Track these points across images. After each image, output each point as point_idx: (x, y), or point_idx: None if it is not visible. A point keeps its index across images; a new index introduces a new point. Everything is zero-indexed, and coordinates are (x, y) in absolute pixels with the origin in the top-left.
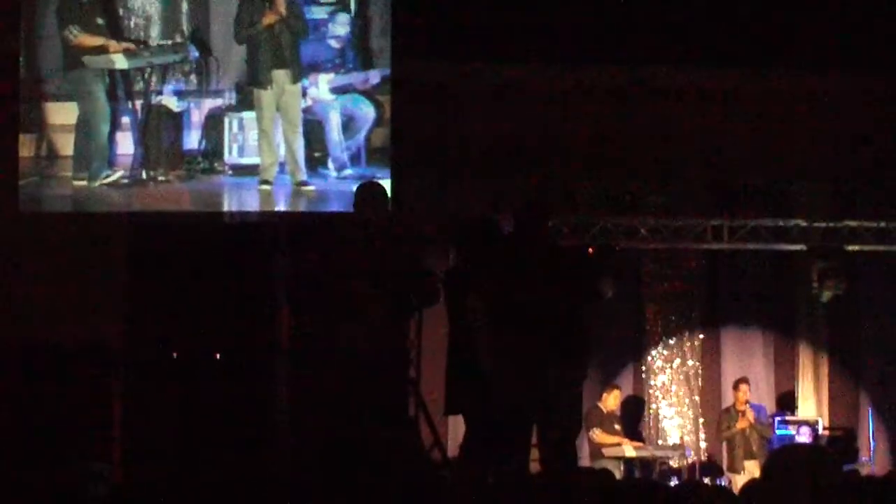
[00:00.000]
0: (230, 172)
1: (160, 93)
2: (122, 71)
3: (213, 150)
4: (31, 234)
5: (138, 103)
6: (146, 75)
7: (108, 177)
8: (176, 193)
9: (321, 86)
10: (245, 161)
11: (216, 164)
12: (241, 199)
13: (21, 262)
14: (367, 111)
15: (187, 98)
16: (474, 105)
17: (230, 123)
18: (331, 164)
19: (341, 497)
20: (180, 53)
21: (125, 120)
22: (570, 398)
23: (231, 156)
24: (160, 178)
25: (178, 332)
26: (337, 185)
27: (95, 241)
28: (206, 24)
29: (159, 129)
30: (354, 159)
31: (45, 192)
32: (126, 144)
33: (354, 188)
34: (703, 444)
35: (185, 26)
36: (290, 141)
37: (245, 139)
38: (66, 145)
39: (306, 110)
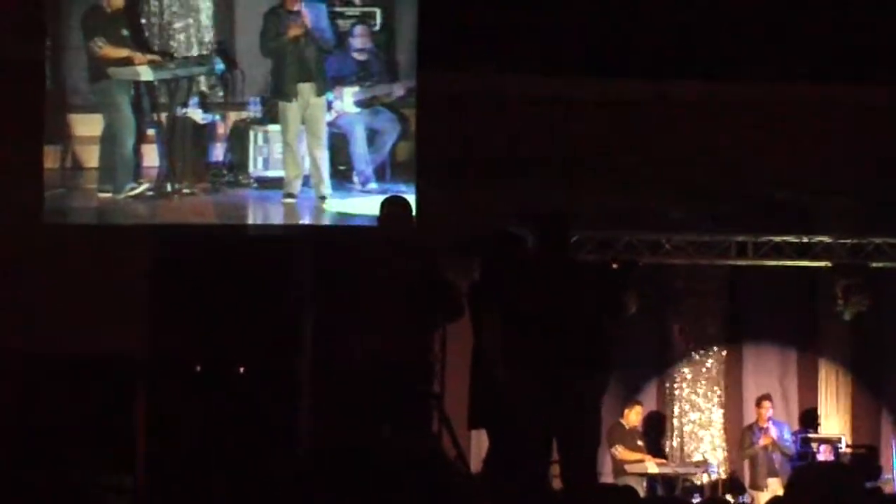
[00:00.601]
0: (255, 185)
1: (185, 105)
2: (147, 83)
3: (238, 162)
4: (56, 246)
5: (163, 115)
6: (171, 87)
7: (133, 189)
8: (201, 206)
9: (346, 99)
10: (270, 174)
11: (241, 177)
12: (265, 212)
13: (45, 273)
14: (391, 125)
15: (212, 110)
16: (499, 118)
17: (255, 136)
18: (355, 178)
19: None
20: (206, 66)
21: (150, 132)
22: (590, 412)
23: (256, 169)
24: (185, 190)
25: (201, 345)
26: (362, 199)
27: (120, 254)
28: (232, 37)
29: (184, 142)
30: (379, 173)
31: (70, 203)
32: (151, 157)
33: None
34: (725, 462)
35: (210, 39)
36: (315, 154)
37: (270, 152)
38: (90, 157)
39: (331, 124)
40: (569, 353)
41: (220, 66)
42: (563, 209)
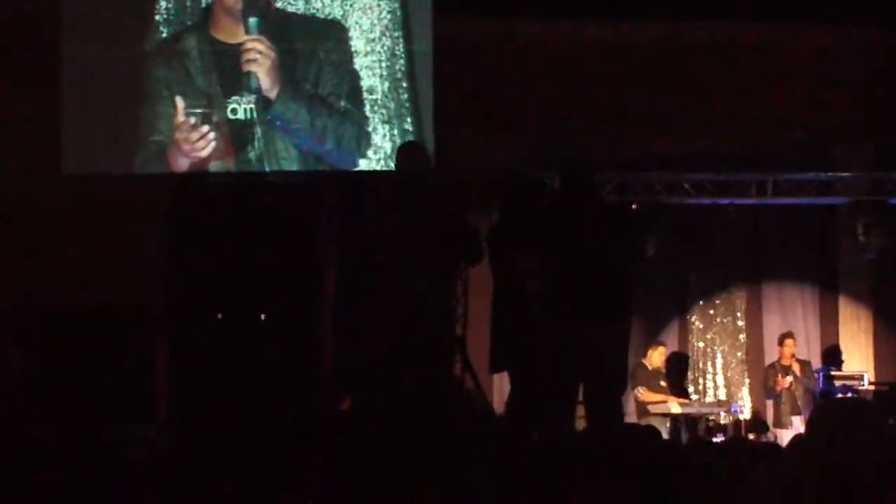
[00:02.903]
0: None
1: None
2: None
3: None
4: (75, 196)
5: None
6: None
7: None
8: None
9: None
10: None
11: None
12: None
13: (64, 223)
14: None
15: None
16: (517, 62)
17: None
18: None
19: (388, 451)
20: None
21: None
22: (616, 354)
23: None
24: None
25: (222, 293)
26: None
27: (139, 202)
28: None
29: None
30: None
31: (89, 152)
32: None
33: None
34: (748, 401)
35: None
36: None
37: None
38: (109, 107)
39: None
40: (594, 297)
41: None
42: (581, 152)
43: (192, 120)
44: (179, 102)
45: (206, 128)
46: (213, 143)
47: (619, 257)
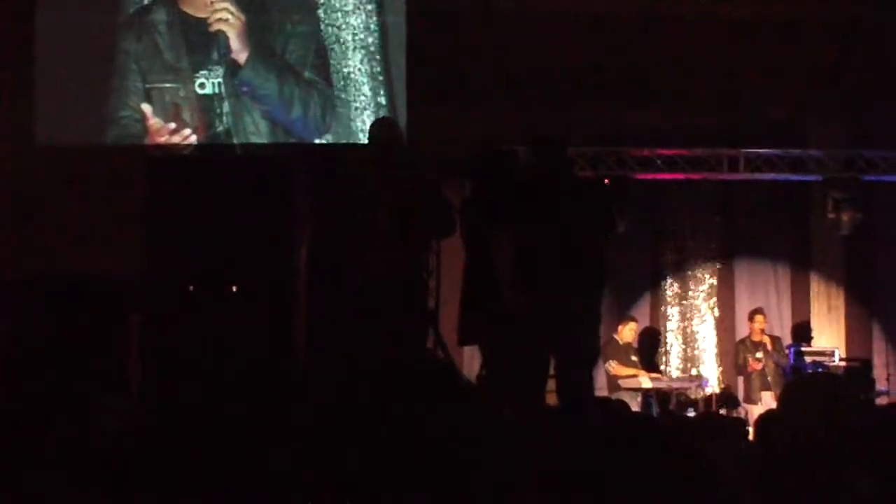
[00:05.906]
0: None
1: None
2: None
3: None
4: (49, 168)
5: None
6: None
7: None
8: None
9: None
10: None
11: None
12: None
13: (39, 195)
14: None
15: None
16: (492, 35)
17: None
18: None
19: (362, 425)
20: None
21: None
22: (588, 328)
23: None
24: None
25: (195, 265)
26: None
27: (112, 174)
28: None
29: None
30: None
31: (63, 125)
32: None
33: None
34: (719, 376)
35: None
36: None
37: None
38: (83, 78)
39: None
40: (566, 270)
41: None
42: (556, 132)
43: (172, 125)
44: (146, 108)
45: (187, 131)
46: (194, 143)
47: (590, 231)
